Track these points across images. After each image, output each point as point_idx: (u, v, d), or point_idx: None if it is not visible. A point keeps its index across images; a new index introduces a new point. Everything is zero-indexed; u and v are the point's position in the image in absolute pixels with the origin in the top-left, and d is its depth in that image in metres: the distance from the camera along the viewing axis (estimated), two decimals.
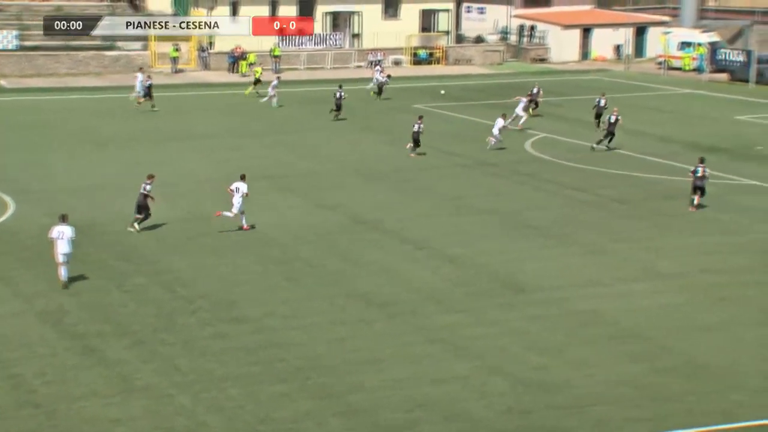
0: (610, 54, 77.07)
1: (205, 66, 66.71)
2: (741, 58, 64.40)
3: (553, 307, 23.75)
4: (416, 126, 41.09)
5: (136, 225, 29.35)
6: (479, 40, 79.12)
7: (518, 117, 46.05)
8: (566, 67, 74.03)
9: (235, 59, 66.26)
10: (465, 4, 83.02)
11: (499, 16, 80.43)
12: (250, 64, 64.47)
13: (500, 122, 42.52)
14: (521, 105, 46.25)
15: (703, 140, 44.34)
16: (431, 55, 74.53)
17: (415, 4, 75.35)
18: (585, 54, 77.16)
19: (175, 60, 64.69)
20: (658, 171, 38.25)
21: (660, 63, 71.05)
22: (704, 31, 71.68)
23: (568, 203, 33.68)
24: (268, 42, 67.68)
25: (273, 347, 21.34)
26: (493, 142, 42.04)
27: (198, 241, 28.71)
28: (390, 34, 73.18)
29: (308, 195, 34.37)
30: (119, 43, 64.77)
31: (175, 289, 24.69)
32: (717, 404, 18.98)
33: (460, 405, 18.85)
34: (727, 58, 65.54)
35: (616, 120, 41.73)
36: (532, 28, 78.68)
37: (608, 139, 41.79)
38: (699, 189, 32.59)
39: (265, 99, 53.34)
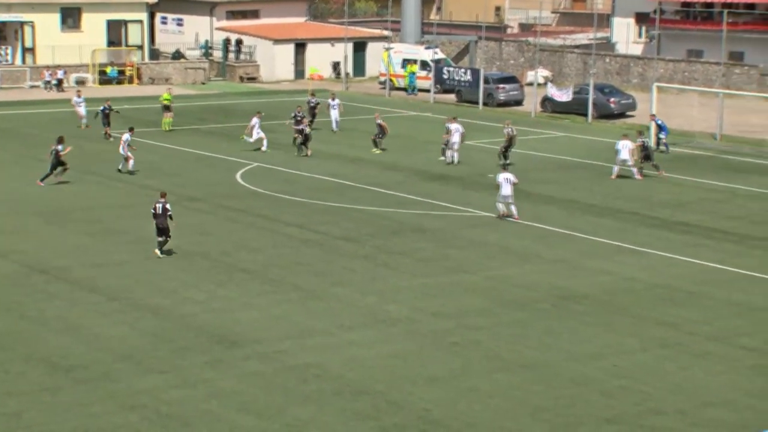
0: (327, 72, 79.06)
1: None
2: (468, 77, 67.75)
3: (269, 361, 23.98)
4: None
5: None
6: (178, 55, 79.01)
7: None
8: (279, 86, 75.25)
9: None
10: (160, 15, 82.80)
11: (200, 29, 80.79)
12: None
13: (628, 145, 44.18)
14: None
15: (432, 168, 46.25)
16: (122, 72, 73.69)
17: (99, 13, 74.39)
18: (300, 72, 78.77)
19: None
20: (384, 203, 39.54)
21: (382, 82, 73.59)
22: (428, 47, 74.91)
23: (286, 242, 34.16)
24: None
25: None
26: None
27: None
28: (71, 48, 71.80)
29: None
30: None
31: None
32: None
33: None
34: (454, 77, 68.75)
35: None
36: (239, 42, 79.50)
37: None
38: (647, 158, 44.39)
39: None
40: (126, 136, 43.85)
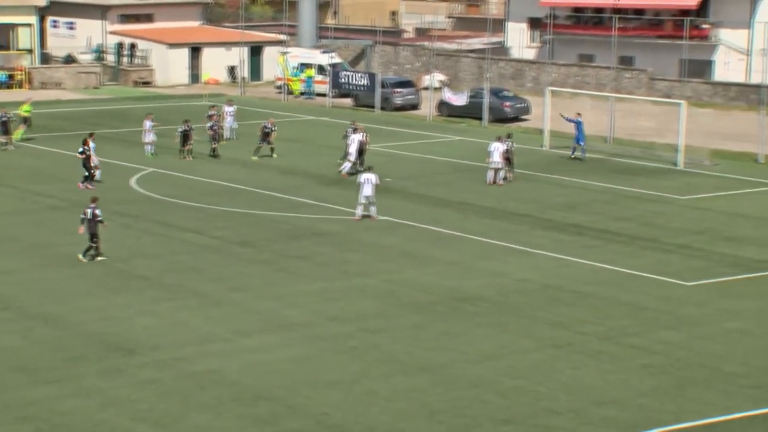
0: (223, 76, 78.69)
1: None
2: (365, 81, 67.97)
3: (167, 369, 23.85)
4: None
5: None
6: (70, 60, 77.96)
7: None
8: (174, 91, 74.65)
9: None
10: (50, 18, 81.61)
11: (92, 33, 79.75)
12: None
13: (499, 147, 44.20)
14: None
15: (329, 172, 46.33)
16: (11, 77, 72.46)
17: None
18: (195, 76, 78.24)
19: None
20: (281, 208, 39.55)
21: (279, 87, 73.45)
22: (324, 51, 74.96)
23: (182, 248, 33.98)
24: None
25: None
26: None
27: None
28: None
29: None
30: None
31: None
32: None
33: None
34: (350, 81, 68.89)
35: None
36: (133, 46, 78.72)
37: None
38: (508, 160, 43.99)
39: None
40: (92, 145, 42.82)
